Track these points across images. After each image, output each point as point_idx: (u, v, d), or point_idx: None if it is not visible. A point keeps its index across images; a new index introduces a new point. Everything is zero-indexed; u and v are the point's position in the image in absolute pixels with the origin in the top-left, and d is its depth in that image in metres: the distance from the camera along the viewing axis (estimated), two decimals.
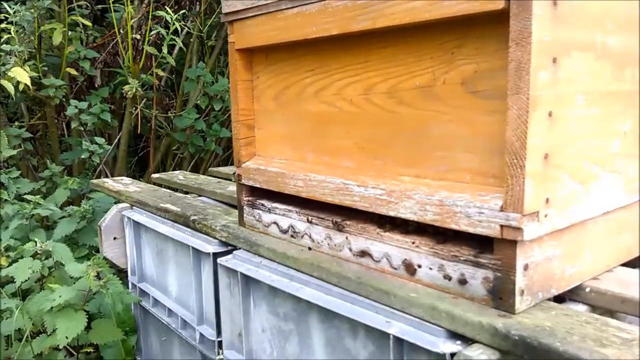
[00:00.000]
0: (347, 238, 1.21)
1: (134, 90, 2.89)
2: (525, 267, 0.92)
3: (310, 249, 1.31)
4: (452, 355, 0.91)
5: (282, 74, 1.38)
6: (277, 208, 1.40)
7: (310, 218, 1.30)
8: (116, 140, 3.21)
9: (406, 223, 1.13)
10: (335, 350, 1.18)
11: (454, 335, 0.95)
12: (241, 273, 1.37)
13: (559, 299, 1.01)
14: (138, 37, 2.90)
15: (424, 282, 1.06)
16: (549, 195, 0.91)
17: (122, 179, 2.46)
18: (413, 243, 1.07)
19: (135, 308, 2.12)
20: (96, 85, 3.16)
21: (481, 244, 0.98)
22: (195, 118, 3.16)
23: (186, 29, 3.35)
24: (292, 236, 1.37)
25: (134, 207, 2.06)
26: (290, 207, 1.37)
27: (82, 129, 3.01)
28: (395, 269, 1.11)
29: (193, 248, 1.60)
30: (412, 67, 1.06)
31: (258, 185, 1.45)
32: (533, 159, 0.87)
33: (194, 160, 3.63)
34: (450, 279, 1.01)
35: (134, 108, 3.12)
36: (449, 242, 1.03)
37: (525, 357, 0.84)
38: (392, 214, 1.09)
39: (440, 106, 1.02)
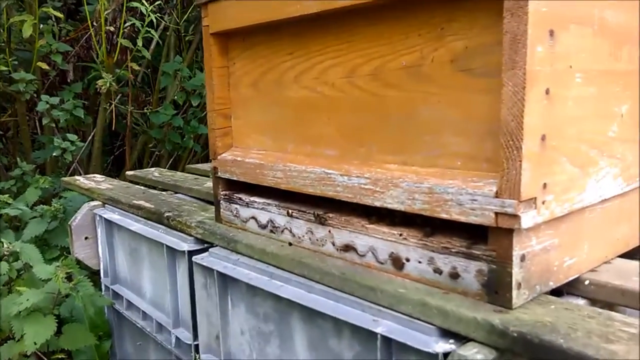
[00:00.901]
0: (330, 232, 1.13)
1: (107, 85, 2.78)
2: (522, 258, 0.85)
3: (291, 244, 1.23)
4: (445, 355, 0.83)
5: (260, 58, 1.30)
6: (256, 202, 1.32)
7: (290, 211, 1.22)
8: (90, 137, 3.10)
9: (393, 214, 1.05)
10: (319, 351, 1.10)
11: (446, 334, 0.88)
12: (218, 271, 1.29)
13: (556, 293, 0.94)
14: (112, 29, 2.79)
15: (412, 277, 0.98)
16: (547, 180, 0.84)
17: (94, 177, 2.36)
18: (400, 235, 1.00)
19: (109, 311, 2.02)
20: (69, 81, 3.05)
21: (474, 234, 0.91)
22: (172, 114, 3.06)
23: (163, 23, 3.25)
24: (271, 231, 1.29)
25: (106, 205, 1.96)
26: (269, 201, 1.29)
27: (54, 125, 2.89)
28: (382, 263, 1.04)
29: (167, 246, 1.51)
30: (398, 45, 0.99)
31: (235, 178, 1.37)
32: (530, 140, 0.80)
33: (172, 159, 3.52)
34: (441, 272, 0.94)
35: (108, 104, 3.01)
36: (439, 234, 0.95)
37: (525, 356, 0.77)
38: (377, 204, 1.01)
39: (429, 87, 0.95)
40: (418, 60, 0.96)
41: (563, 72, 0.85)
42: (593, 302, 0.95)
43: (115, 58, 2.91)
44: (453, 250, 0.91)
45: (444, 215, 0.90)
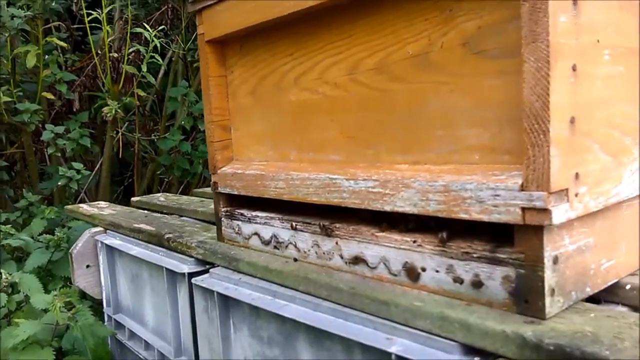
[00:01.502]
0: (337, 243, 1.03)
1: (113, 112, 2.74)
2: (555, 260, 0.74)
3: (296, 260, 1.13)
4: None
5: (259, 63, 1.22)
6: (258, 216, 1.23)
7: (294, 224, 1.12)
8: (97, 166, 3.05)
9: (406, 220, 0.95)
10: None
11: (470, 351, 0.76)
12: (218, 293, 1.19)
13: (593, 301, 0.83)
14: (115, 54, 2.76)
15: (429, 289, 0.88)
16: (579, 169, 0.74)
17: (98, 204, 2.29)
18: (414, 242, 0.89)
19: (112, 342, 1.91)
20: (75, 110, 3.01)
21: (498, 237, 0.80)
22: (179, 140, 3.00)
23: (170, 51, 3.22)
24: (275, 247, 1.19)
25: (107, 231, 1.88)
26: (272, 214, 1.19)
27: (60, 154, 2.85)
28: (395, 275, 0.93)
29: (167, 269, 1.41)
30: (404, 33, 0.90)
31: (236, 192, 1.28)
32: (558, 123, 0.70)
33: (182, 186, 3.45)
34: (461, 281, 0.83)
35: (115, 132, 2.96)
36: (457, 238, 0.85)
37: None
38: (387, 208, 0.91)
39: (439, 75, 0.86)
40: (426, 48, 0.87)
41: (590, 47, 0.75)
42: (636, 309, 0.83)
43: (121, 85, 2.87)
44: (475, 255, 0.81)
45: (463, 216, 0.80)
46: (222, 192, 1.32)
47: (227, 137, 1.34)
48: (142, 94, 2.87)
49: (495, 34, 0.78)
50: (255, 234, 1.24)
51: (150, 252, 1.55)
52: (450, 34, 0.84)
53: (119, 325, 1.82)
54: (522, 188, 0.72)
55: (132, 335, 1.73)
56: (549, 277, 0.73)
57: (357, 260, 1.00)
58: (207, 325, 1.27)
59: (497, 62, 0.78)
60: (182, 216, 1.92)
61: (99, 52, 2.92)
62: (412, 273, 0.90)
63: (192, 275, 1.33)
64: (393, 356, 0.82)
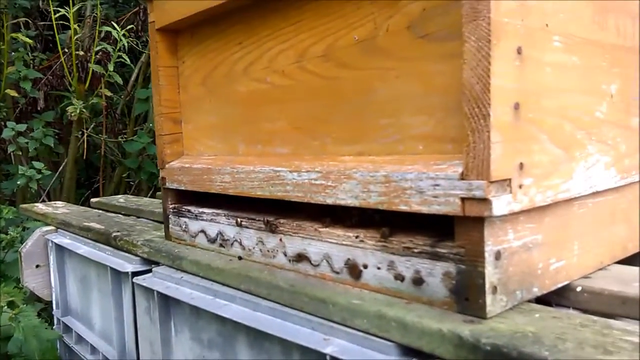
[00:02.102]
0: (281, 240, 0.98)
1: (77, 112, 2.66)
2: (497, 256, 0.69)
3: (240, 258, 1.07)
4: None
5: (209, 53, 1.17)
6: (205, 213, 1.17)
7: (240, 220, 1.07)
8: (61, 167, 2.96)
9: (350, 215, 0.90)
10: None
11: (408, 352, 0.71)
12: (158, 292, 1.12)
13: (543, 304, 0.78)
14: (81, 52, 2.69)
15: (371, 287, 0.82)
16: (524, 159, 0.70)
17: (55, 203, 2.21)
18: (357, 237, 0.84)
19: (61, 347, 1.83)
20: (39, 109, 2.93)
21: (441, 233, 0.76)
22: (147, 142, 2.92)
23: (144, 53, 3.16)
24: (221, 245, 1.13)
25: (58, 230, 1.80)
26: (218, 211, 1.13)
27: (21, 153, 2.75)
28: (338, 272, 0.88)
29: (111, 269, 1.35)
30: (350, 17, 0.86)
31: (183, 188, 1.22)
32: (500, 107, 0.66)
33: (151, 190, 3.37)
34: (402, 279, 0.78)
35: (80, 133, 2.88)
36: (400, 233, 0.80)
37: None
38: (329, 201, 0.86)
39: (385, 61, 0.81)
40: (372, 32, 0.83)
41: (538, 31, 0.71)
42: (587, 313, 0.78)
43: (87, 84, 2.79)
44: (416, 250, 0.76)
45: (403, 208, 0.75)
46: (170, 187, 1.26)
47: (177, 130, 1.28)
48: (108, 94, 2.80)
49: (439, 15, 0.73)
50: (202, 231, 1.18)
51: (98, 251, 1.48)
52: (396, 17, 0.79)
53: (67, 329, 1.73)
54: (462, 177, 0.68)
55: (80, 339, 1.65)
56: (491, 274, 0.68)
57: (300, 257, 0.94)
58: (149, 327, 1.20)
59: (442, 45, 0.74)
60: (139, 217, 1.85)
61: (67, 50, 2.85)
62: (354, 270, 0.85)
63: (135, 274, 1.26)
64: (328, 357, 0.76)
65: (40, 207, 2.08)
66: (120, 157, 3.08)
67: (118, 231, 1.43)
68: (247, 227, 1.05)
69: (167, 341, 1.15)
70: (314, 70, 0.93)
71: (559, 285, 0.79)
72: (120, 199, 2.21)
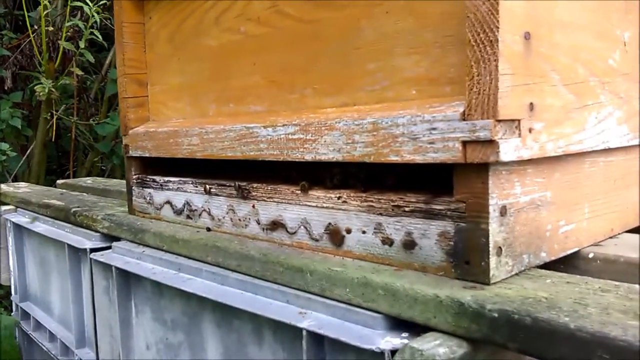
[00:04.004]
0: (254, 207, 0.87)
1: (46, 91, 2.51)
2: (503, 211, 0.59)
3: (209, 229, 0.96)
4: (394, 352, 0.56)
5: (178, 5, 1.06)
6: (170, 182, 1.05)
7: (209, 187, 0.96)
8: (29, 151, 2.81)
9: (331, 175, 0.79)
10: None
11: (398, 324, 0.61)
12: (117, 268, 1.00)
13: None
14: (51, 28, 2.54)
15: (355, 254, 0.72)
16: (535, 99, 0.60)
17: (18, 184, 2.07)
18: (339, 198, 0.73)
19: (20, 334, 1.70)
20: (6, 88, 2.77)
21: (434, 190, 0.65)
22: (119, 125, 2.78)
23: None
24: (188, 217, 1.01)
25: (18, 210, 1.67)
26: (185, 179, 1.02)
27: None
28: (317, 240, 0.77)
29: (69, 246, 1.22)
30: None
31: (147, 154, 1.10)
32: (510, 33, 0.56)
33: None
34: (391, 243, 0.67)
35: (49, 114, 2.73)
36: (388, 192, 0.70)
37: (512, 346, 0.50)
38: (309, 157, 0.75)
39: None
40: None
41: None
42: None
43: (57, 63, 2.65)
44: (407, 209, 0.65)
45: (392, 159, 0.65)
46: (134, 155, 1.14)
47: (143, 93, 1.16)
48: (79, 72, 2.65)
49: None
50: (168, 202, 1.07)
51: (57, 229, 1.35)
52: None
53: (26, 315, 1.60)
54: (464, 117, 0.58)
55: (38, 325, 1.52)
56: (495, 232, 0.58)
57: (275, 225, 0.83)
58: (108, 309, 1.08)
59: None
60: (106, 197, 1.72)
61: (36, 27, 2.70)
62: (336, 236, 0.74)
63: (95, 251, 1.14)
64: (304, 332, 0.65)
65: (3, 187, 1.94)
66: (92, 141, 2.94)
67: (78, 207, 1.31)
68: (216, 195, 0.94)
69: (126, 323, 1.03)
70: (292, 14, 0.82)
71: (569, 252, 0.70)
72: (88, 180, 2.08)
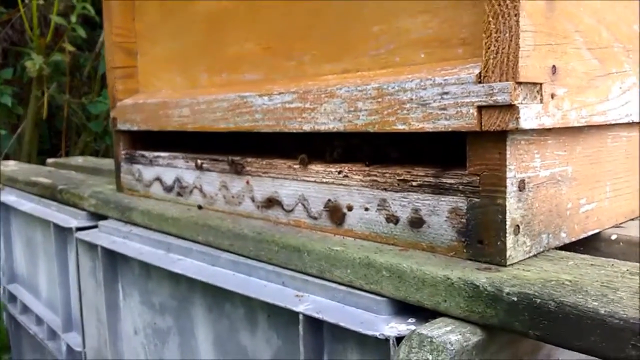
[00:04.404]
0: (248, 183, 0.81)
1: (36, 68, 2.44)
2: (521, 186, 0.53)
3: (201, 207, 0.90)
4: (399, 339, 0.51)
5: None
6: (160, 157, 0.99)
7: (200, 162, 0.90)
8: (19, 129, 2.74)
9: (331, 149, 0.74)
10: (228, 351, 0.77)
11: (403, 309, 0.55)
12: (103, 248, 0.95)
13: None
14: (42, 1, 2.46)
15: (356, 233, 0.66)
16: (557, 62, 0.54)
17: (7, 162, 2.01)
18: (340, 173, 0.68)
19: (7, 318, 1.65)
20: None
21: (444, 164, 0.60)
22: None
23: None
24: (178, 194, 0.96)
25: (5, 188, 1.61)
26: (176, 154, 0.96)
27: None
28: (315, 218, 0.71)
29: (54, 225, 1.17)
30: None
31: (136, 128, 1.04)
32: None
33: None
34: (396, 221, 0.62)
35: (40, 92, 2.66)
36: (394, 166, 0.64)
37: (532, 333, 0.45)
38: (307, 128, 0.70)
39: None
40: None
41: None
42: None
43: (49, 38, 2.57)
44: (414, 183, 0.60)
45: (399, 127, 0.59)
46: (122, 129, 1.08)
47: (132, 63, 1.10)
48: (71, 48, 2.58)
49: None
50: (157, 179, 1.01)
51: (43, 207, 1.29)
52: None
53: (13, 298, 1.55)
54: (480, 79, 0.52)
55: (25, 308, 1.47)
56: (513, 208, 0.53)
57: (270, 202, 0.78)
58: (94, 291, 1.03)
59: None
60: (96, 176, 1.66)
61: (27, 1, 2.62)
62: (336, 214, 0.68)
63: (81, 230, 1.08)
64: (300, 316, 0.60)
65: None
66: (85, 120, 2.87)
67: (65, 184, 1.25)
68: (208, 170, 0.88)
69: (113, 306, 0.98)
70: None
71: (590, 233, 0.64)
72: (79, 159, 2.02)
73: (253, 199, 0.81)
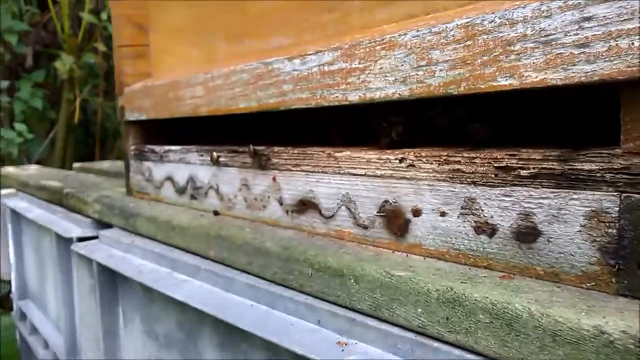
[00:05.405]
0: (275, 180, 0.61)
1: (67, 69, 2.32)
2: None
3: (217, 213, 0.71)
4: None
5: None
6: (172, 151, 0.80)
7: (217, 155, 0.70)
8: (51, 134, 2.64)
9: (386, 130, 0.52)
10: None
11: None
12: (98, 264, 0.76)
13: None
14: None
15: (427, 250, 0.45)
16: None
17: (29, 166, 1.88)
18: (402, 161, 0.46)
19: (20, 339, 1.49)
20: (27, 67, 2.60)
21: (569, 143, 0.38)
22: None
23: None
24: (192, 197, 0.76)
25: (18, 193, 1.46)
26: (189, 146, 0.77)
27: (1, 115, 2.44)
28: (366, 227, 0.50)
29: (57, 235, 0.99)
30: None
31: (145, 117, 0.86)
32: None
33: None
34: (492, 231, 0.40)
35: (73, 95, 2.55)
36: (486, 148, 0.42)
37: None
38: (354, 98, 0.49)
39: None
40: None
41: None
42: None
43: (80, 37, 2.46)
44: (524, 172, 0.38)
45: (504, 83, 0.37)
46: (130, 120, 0.90)
47: (142, 41, 0.92)
48: (103, 48, 2.45)
49: None
50: (169, 178, 0.82)
51: (51, 214, 1.13)
52: None
53: (24, 316, 1.39)
54: None
55: (34, 329, 1.31)
56: None
57: (304, 206, 0.57)
58: (93, 314, 0.85)
59: None
60: (116, 179, 1.50)
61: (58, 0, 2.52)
62: (396, 221, 0.47)
63: (84, 241, 0.90)
64: None
65: (10, 169, 1.75)
66: (117, 125, 2.74)
67: (73, 188, 1.08)
68: (226, 166, 0.69)
69: (112, 334, 0.79)
70: None
71: None
72: (106, 163, 1.87)
73: (281, 202, 0.60)
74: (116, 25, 0.91)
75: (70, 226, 0.98)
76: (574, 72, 0.33)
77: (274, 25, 0.65)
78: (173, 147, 0.80)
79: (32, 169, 1.79)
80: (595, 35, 0.32)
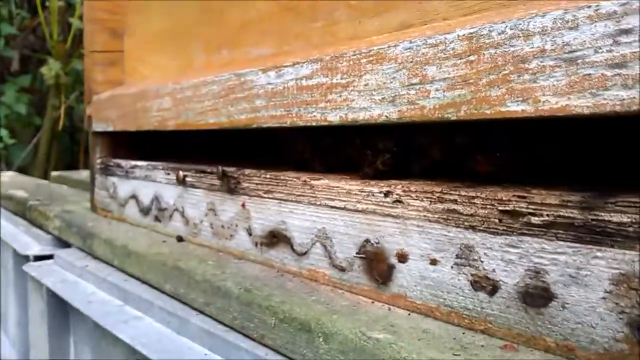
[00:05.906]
0: (244, 206, 0.53)
1: (53, 74, 2.25)
2: None
3: (181, 239, 0.63)
4: None
5: None
6: (138, 167, 0.73)
7: (183, 175, 0.62)
8: (35, 140, 2.55)
9: (373, 155, 0.45)
10: None
11: None
12: (48, 289, 0.68)
13: None
14: (61, 3, 2.29)
15: (412, 303, 0.37)
16: None
17: (6, 173, 1.79)
18: (387, 195, 0.39)
19: None
20: (13, 71, 2.53)
21: (591, 185, 0.31)
22: None
23: None
24: (157, 218, 0.69)
25: None
26: (156, 162, 0.69)
27: None
28: (343, 269, 0.43)
29: (14, 252, 0.91)
30: None
31: (112, 128, 0.78)
32: None
33: None
34: (494, 289, 0.33)
35: (58, 101, 2.47)
36: (488, 185, 0.35)
37: None
38: (334, 118, 0.42)
39: None
40: None
41: None
42: None
43: (69, 43, 2.39)
44: (536, 220, 0.31)
45: (514, 108, 0.30)
46: (97, 130, 0.83)
47: (116, 47, 0.85)
48: None
49: None
50: (133, 196, 0.74)
51: (14, 226, 1.05)
52: None
53: None
54: None
55: None
56: None
57: (274, 238, 0.50)
58: (44, 342, 0.76)
59: None
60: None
61: (47, 4, 2.45)
62: (378, 265, 0.40)
63: (40, 260, 0.82)
64: None
65: None
66: None
67: (38, 200, 1.00)
68: (192, 187, 0.61)
69: None
70: None
71: None
72: (84, 174, 1.78)
73: (250, 232, 0.53)
74: (89, 29, 0.84)
75: (30, 242, 0.90)
76: (605, 99, 0.26)
77: (255, 34, 0.58)
78: (139, 163, 0.73)
79: (7, 175, 1.71)
80: (634, 53, 0.25)
